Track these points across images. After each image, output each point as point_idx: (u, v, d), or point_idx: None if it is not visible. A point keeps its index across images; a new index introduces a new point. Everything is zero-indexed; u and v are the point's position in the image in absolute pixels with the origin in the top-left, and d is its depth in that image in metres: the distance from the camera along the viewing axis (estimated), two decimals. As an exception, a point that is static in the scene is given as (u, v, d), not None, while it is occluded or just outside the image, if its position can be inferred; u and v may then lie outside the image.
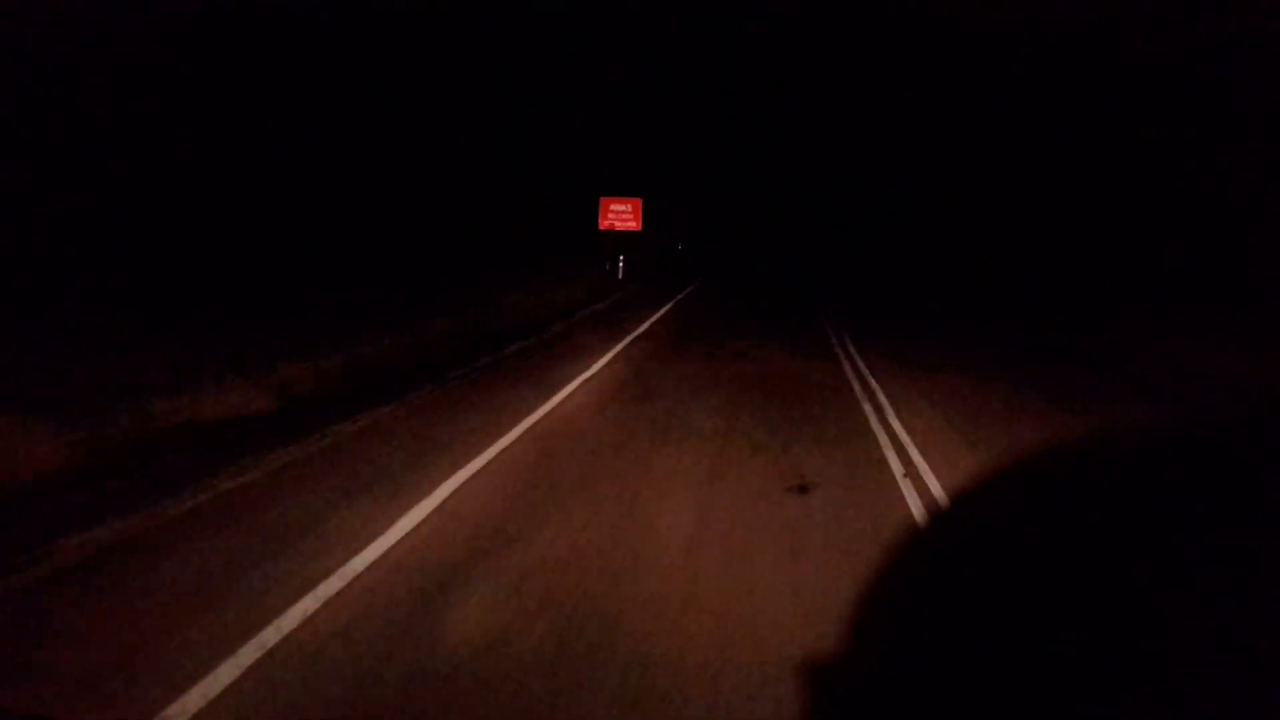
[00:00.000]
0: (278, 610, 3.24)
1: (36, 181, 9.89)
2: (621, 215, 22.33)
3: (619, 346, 10.78)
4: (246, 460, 5.14)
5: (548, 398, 7.35)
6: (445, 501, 4.56)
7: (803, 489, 4.96)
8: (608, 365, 9.37)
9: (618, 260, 21.34)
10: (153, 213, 11.35)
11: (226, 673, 2.79)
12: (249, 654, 2.91)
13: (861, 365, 9.97)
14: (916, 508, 4.76)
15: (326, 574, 3.59)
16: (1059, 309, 18.17)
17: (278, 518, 4.25)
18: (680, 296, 19.19)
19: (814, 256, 41.20)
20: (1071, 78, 21.52)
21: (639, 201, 22.38)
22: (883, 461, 5.77)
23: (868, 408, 7.55)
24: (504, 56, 21.29)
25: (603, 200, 22.40)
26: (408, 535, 4.08)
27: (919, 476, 5.37)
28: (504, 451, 5.63)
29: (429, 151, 18.19)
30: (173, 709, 2.60)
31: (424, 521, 4.27)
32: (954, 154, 32.65)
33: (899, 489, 5.13)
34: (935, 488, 5.11)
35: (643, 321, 13.75)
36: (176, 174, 11.89)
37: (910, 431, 6.55)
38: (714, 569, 3.79)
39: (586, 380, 8.38)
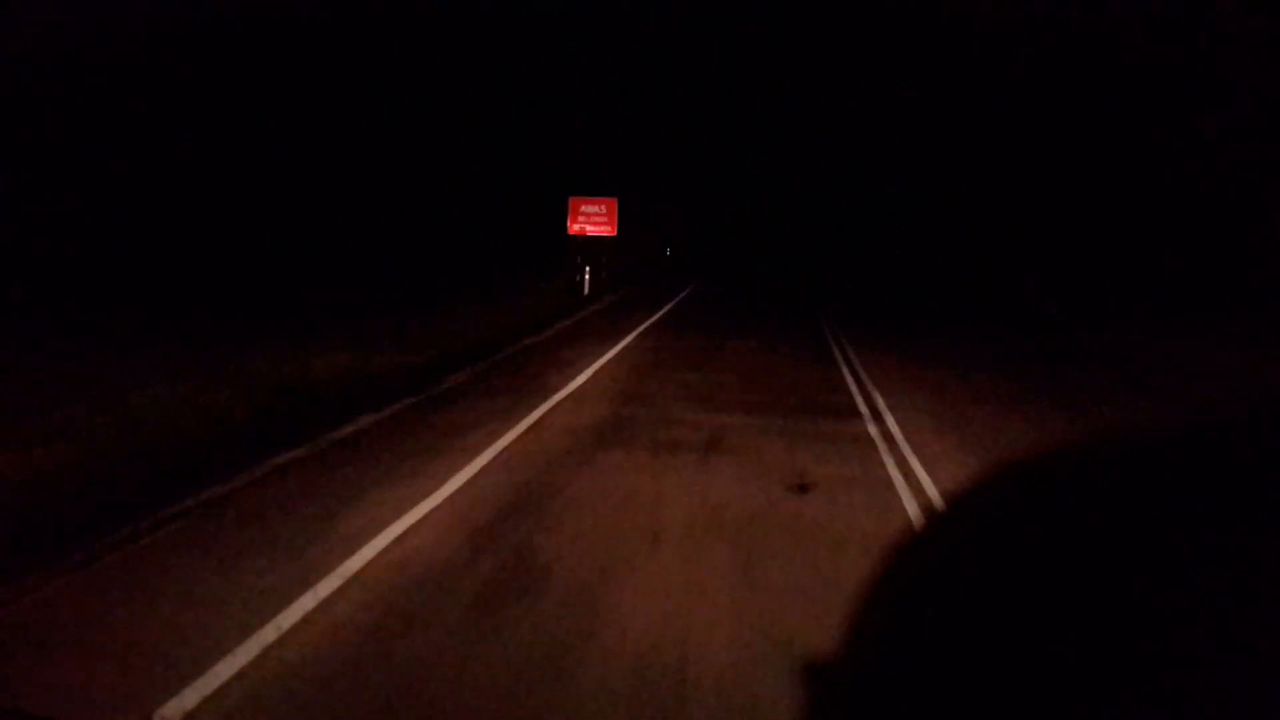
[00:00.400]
0: None
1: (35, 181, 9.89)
2: (593, 218, 19.47)
3: (523, 424, 6.43)
4: None
5: (324, 573, 3.65)
6: None
7: None
8: (483, 473, 5.20)
9: (583, 271, 18.16)
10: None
11: None
12: None
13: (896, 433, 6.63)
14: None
15: None
16: (1059, 309, 18.16)
17: None
18: (656, 317, 14.82)
19: (813, 257, 41.23)
20: (1071, 78, 21.52)
21: (614, 201, 19.52)
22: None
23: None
24: (500, 54, 21.29)
25: (572, 201, 19.57)
26: None
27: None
28: None
29: (388, 149, 17.57)
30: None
31: None
32: (954, 154, 32.65)
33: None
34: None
35: (586, 366, 9.13)
36: (172, 174, 11.90)
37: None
38: None
39: (425, 518, 4.40)
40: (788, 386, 8.44)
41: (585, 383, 8.31)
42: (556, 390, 7.82)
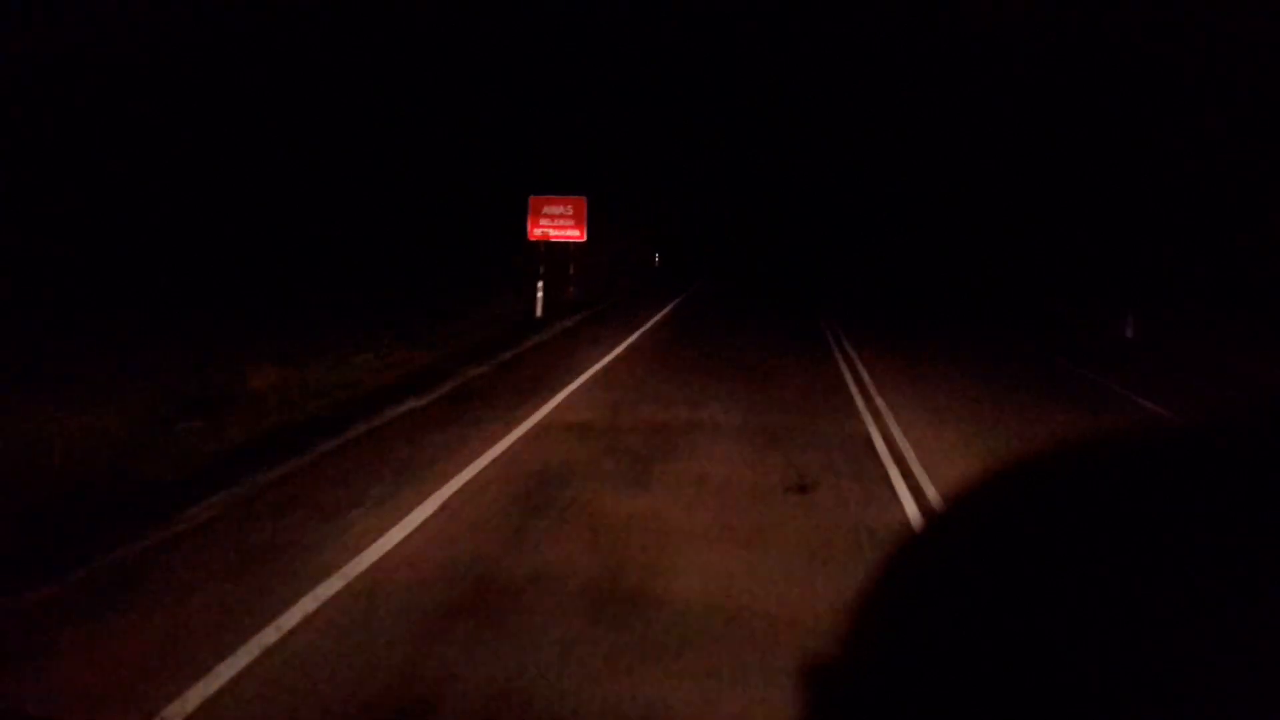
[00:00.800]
0: None
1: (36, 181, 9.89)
2: (558, 220, 16.06)
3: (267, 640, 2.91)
4: None
5: None
6: None
7: None
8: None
9: (536, 286, 14.61)
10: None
11: None
12: None
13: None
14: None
15: None
16: (1059, 308, 18.17)
17: None
18: (616, 353, 10.50)
19: (814, 258, 41.31)
20: (1071, 78, 21.56)
21: (582, 201, 16.10)
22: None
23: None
24: (498, 53, 21.31)
25: (532, 200, 16.13)
26: None
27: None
28: None
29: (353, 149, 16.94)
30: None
31: None
32: (954, 154, 32.70)
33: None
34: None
35: (456, 472, 5.09)
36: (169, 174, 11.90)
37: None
38: None
39: None
40: (802, 532, 4.25)
41: (419, 530, 4.12)
42: (349, 558, 3.73)
